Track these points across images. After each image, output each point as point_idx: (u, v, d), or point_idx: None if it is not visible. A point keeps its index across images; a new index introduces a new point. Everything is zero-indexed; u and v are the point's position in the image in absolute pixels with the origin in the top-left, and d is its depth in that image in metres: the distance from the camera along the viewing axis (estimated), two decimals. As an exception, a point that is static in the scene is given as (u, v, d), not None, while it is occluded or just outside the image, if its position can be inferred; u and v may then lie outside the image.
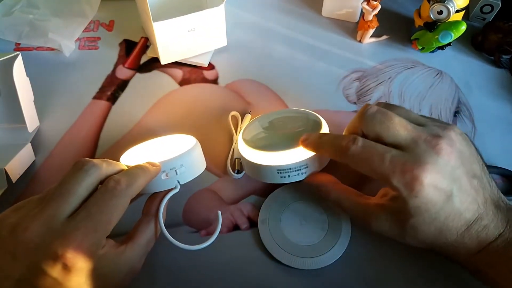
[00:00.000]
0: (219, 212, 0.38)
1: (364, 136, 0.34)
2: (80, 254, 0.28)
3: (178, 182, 0.36)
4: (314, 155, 0.38)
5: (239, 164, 0.43)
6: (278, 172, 0.38)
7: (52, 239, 0.28)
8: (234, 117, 0.47)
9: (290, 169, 0.38)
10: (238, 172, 0.43)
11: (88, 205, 0.30)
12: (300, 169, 0.38)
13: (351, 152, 0.33)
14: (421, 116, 0.35)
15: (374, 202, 0.34)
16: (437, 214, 0.31)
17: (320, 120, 0.40)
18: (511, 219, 0.32)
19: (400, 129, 0.33)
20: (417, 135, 0.32)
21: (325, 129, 0.39)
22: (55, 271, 0.27)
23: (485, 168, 0.34)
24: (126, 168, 0.34)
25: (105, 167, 0.32)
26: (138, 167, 0.34)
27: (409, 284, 0.37)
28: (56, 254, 0.27)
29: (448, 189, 0.31)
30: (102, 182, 0.32)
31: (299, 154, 0.37)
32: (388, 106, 0.36)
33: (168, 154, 0.36)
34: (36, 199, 0.31)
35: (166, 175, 0.35)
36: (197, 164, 0.38)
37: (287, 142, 0.38)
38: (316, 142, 0.36)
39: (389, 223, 0.33)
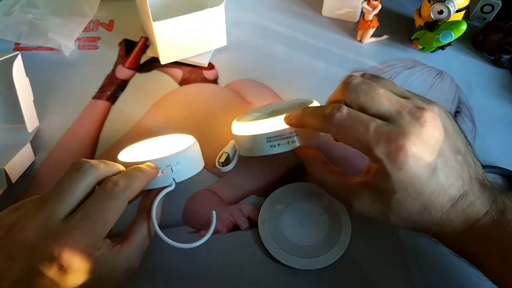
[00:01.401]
0: (214, 212, 0.37)
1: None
2: (77, 255, 0.28)
3: (174, 180, 0.36)
4: None
5: (225, 157, 0.43)
6: (267, 141, 0.37)
7: (49, 239, 0.28)
8: None
9: (279, 136, 0.37)
10: (223, 165, 0.43)
11: (85, 206, 0.30)
12: (289, 137, 0.37)
13: (336, 120, 0.32)
14: (406, 90, 0.35)
15: (357, 180, 0.34)
16: (421, 189, 0.30)
17: (311, 100, 0.40)
18: (497, 198, 0.31)
19: (384, 100, 0.32)
20: (401, 106, 0.31)
21: (316, 104, 0.39)
22: (51, 272, 0.27)
23: (470, 146, 0.33)
24: (124, 169, 0.34)
25: (103, 168, 0.32)
26: (136, 169, 0.33)
27: (409, 284, 0.37)
28: (53, 254, 0.27)
29: (432, 162, 0.30)
30: (100, 183, 0.32)
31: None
32: (373, 77, 0.35)
33: (165, 152, 0.36)
34: (34, 199, 0.31)
35: (162, 172, 0.35)
36: (194, 163, 0.38)
37: (276, 115, 0.38)
38: (299, 115, 0.35)
39: (372, 201, 0.32)
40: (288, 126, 0.37)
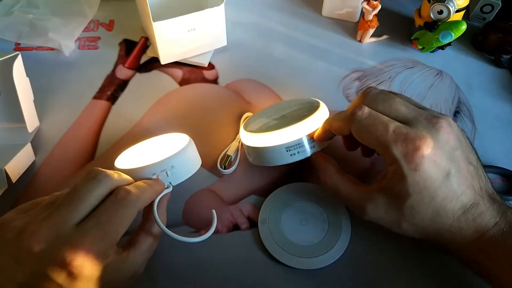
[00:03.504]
0: (213, 211, 0.37)
1: None
2: (87, 262, 0.28)
3: (170, 183, 0.36)
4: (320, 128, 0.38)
5: (228, 160, 0.43)
6: (287, 150, 0.38)
7: (60, 245, 0.28)
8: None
9: (298, 144, 0.38)
10: (225, 168, 0.43)
11: (97, 213, 0.30)
12: (308, 143, 0.38)
13: (357, 118, 0.33)
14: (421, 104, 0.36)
15: (371, 187, 0.34)
16: (435, 193, 0.31)
17: (316, 100, 0.41)
18: (506, 212, 0.32)
19: (402, 107, 0.34)
20: (418, 113, 0.33)
21: (323, 107, 0.40)
22: (60, 278, 0.27)
23: (480, 162, 0.34)
24: (134, 181, 0.34)
25: (116, 178, 0.32)
26: (146, 182, 0.34)
27: (409, 284, 0.37)
28: (63, 260, 0.27)
29: (446, 167, 0.31)
30: (111, 193, 0.32)
31: (304, 129, 0.38)
32: (390, 91, 0.36)
33: (160, 155, 0.36)
34: (44, 203, 0.31)
35: (157, 177, 0.35)
36: (189, 164, 0.38)
37: (290, 121, 0.38)
38: (324, 125, 0.37)
39: (385, 207, 0.33)
40: (307, 133, 0.38)
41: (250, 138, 0.40)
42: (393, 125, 0.32)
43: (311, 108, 0.40)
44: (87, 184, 0.31)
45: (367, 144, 0.34)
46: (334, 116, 0.36)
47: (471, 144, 0.34)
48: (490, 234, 0.31)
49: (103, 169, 0.32)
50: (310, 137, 0.38)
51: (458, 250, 0.33)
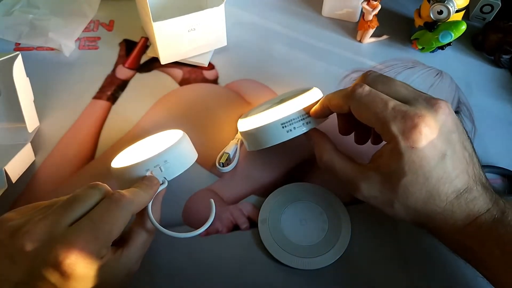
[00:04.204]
0: (212, 200, 0.37)
1: None
2: (81, 261, 0.28)
3: (165, 178, 0.36)
4: (314, 104, 0.38)
5: (226, 158, 0.43)
6: (283, 127, 0.37)
7: (53, 244, 0.28)
8: None
9: (294, 119, 0.37)
10: (223, 166, 0.43)
11: (91, 213, 0.30)
12: (303, 119, 0.38)
13: (357, 95, 0.33)
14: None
15: (367, 165, 0.35)
16: (430, 173, 0.31)
17: (312, 87, 0.41)
18: (498, 200, 0.32)
19: (401, 88, 0.34)
20: (417, 94, 0.34)
21: (317, 90, 0.40)
22: (54, 277, 0.27)
23: (475, 151, 0.34)
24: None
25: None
26: (141, 187, 0.34)
27: (409, 284, 0.37)
28: (56, 260, 0.27)
29: (443, 148, 0.31)
30: None
31: (298, 104, 0.38)
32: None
33: (153, 152, 0.36)
34: (42, 206, 0.31)
35: (151, 173, 0.35)
36: (183, 158, 0.37)
37: (285, 101, 0.38)
38: (322, 99, 0.37)
39: (380, 186, 0.33)
40: (301, 108, 0.37)
41: (246, 123, 0.40)
42: (392, 102, 0.32)
43: (306, 89, 0.40)
44: (86, 190, 0.31)
45: (365, 121, 0.34)
46: (334, 93, 0.36)
47: (467, 132, 0.34)
48: (482, 220, 0.31)
49: (105, 185, 0.33)
50: (306, 113, 0.38)
51: (448, 235, 0.33)
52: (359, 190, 0.34)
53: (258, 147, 0.40)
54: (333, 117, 0.39)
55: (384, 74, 0.36)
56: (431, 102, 0.32)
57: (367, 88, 0.33)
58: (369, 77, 0.35)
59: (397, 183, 0.32)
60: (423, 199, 0.32)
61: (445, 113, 0.32)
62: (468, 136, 0.34)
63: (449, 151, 0.31)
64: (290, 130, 0.37)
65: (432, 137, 0.31)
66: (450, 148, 0.32)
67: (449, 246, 0.34)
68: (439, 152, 0.31)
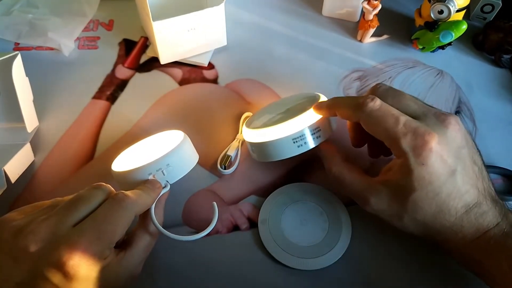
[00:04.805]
0: (214, 203, 0.37)
1: None
2: (84, 262, 0.28)
3: (168, 182, 0.36)
4: (324, 118, 0.38)
5: (228, 160, 0.43)
6: (294, 142, 0.37)
7: (56, 245, 0.28)
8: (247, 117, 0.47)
9: (304, 135, 0.37)
10: (225, 168, 0.43)
11: (94, 214, 0.30)
12: (314, 133, 0.38)
13: (368, 108, 0.33)
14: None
15: (376, 178, 0.34)
16: (439, 188, 0.31)
17: (317, 94, 0.41)
18: (507, 214, 0.32)
19: (411, 103, 0.34)
20: (427, 109, 0.33)
21: (323, 99, 0.40)
22: (56, 278, 0.27)
23: (484, 164, 0.34)
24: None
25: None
26: (144, 189, 0.34)
27: (409, 284, 0.37)
28: (59, 260, 0.27)
29: (452, 164, 0.31)
30: None
31: (309, 119, 0.38)
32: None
33: (156, 154, 0.36)
34: (45, 206, 0.31)
35: (153, 177, 0.35)
36: (185, 161, 0.37)
37: (294, 113, 0.38)
38: (330, 103, 0.37)
39: (389, 200, 0.33)
40: (312, 123, 0.37)
41: (255, 134, 0.40)
42: (403, 118, 0.32)
43: (314, 100, 0.40)
44: (90, 190, 0.31)
45: (374, 134, 0.34)
46: (343, 100, 0.36)
47: (476, 146, 0.34)
48: (491, 234, 0.31)
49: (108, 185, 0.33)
50: (315, 127, 0.38)
51: (457, 249, 0.33)
52: (368, 203, 0.34)
53: (267, 160, 0.40)
54: (345, 130, 0.39)
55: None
56: (440, 118, 0.32)
57: (378, 102, 0.33)
58: (379, 90, 0.35)
59: (407, 198, 0.32)
60: (433, 214, 0.32)
61: (455, 129, 0.32)
62: (478, 149, 0.34)
63: (459, 167, 0.31)
64: (301, 145, 0.38)
65: (442, 153, 0.31)
66: (460, 164, 0.32)
67: (457, 259, 0.34)
68: (449, 168, 0.31)
